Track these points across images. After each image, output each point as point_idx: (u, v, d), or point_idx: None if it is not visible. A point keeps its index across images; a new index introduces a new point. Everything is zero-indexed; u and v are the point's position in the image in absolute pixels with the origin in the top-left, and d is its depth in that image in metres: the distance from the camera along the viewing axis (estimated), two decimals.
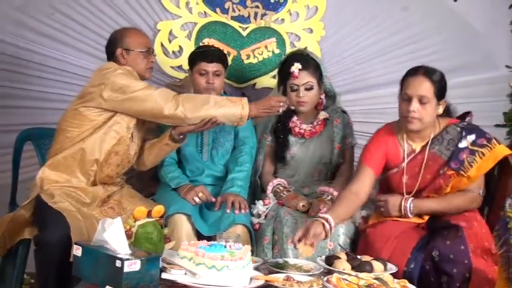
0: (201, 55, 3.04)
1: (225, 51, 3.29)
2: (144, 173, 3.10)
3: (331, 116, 3.13)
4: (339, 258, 2.41)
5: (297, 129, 3.11)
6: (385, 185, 2.80)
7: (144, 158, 2.93)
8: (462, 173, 2.59)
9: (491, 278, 2.44)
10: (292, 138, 3.13)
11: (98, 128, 2.72)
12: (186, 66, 3.28)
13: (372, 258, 2.42)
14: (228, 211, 2.81)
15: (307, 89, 3.02)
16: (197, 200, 2.87)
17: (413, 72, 2.62)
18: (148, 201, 2.88)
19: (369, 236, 2.64)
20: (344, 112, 3.19)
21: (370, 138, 2.80)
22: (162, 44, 3.52)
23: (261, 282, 2.16)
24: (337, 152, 3.10)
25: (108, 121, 2.73)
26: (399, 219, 2.66)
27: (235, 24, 3.58)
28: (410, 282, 2.24)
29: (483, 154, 2.57)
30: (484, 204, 2.72)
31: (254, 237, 2.83)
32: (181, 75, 3.51)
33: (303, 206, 2.88)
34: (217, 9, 3.56)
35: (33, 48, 3.46)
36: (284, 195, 2.96)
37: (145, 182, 3.23)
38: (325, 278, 2.19)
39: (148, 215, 2.30)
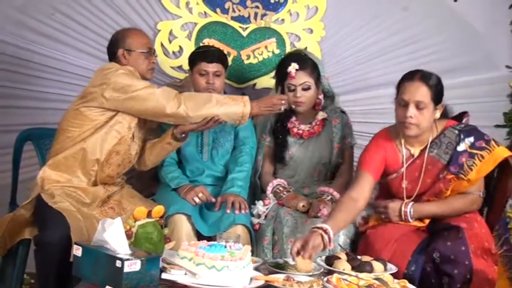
0: (201, 55, 3.04)
1: (225, 52, 3.29)
2: (144, 173, 3.10)
3: (329, 116, 3.13)
4: (339, 258, 2.41)
5: (295, 130, 3.11)
6: (385, 189, 2.79)
7: (146, 158, 2.93)
8: (462, 176, 2.57)
9: (492, 279, 2.45)
10: (290, 139, 3.13)
11: (99, 128, 2.73)
12: (186, 67, 3.28)
13: (372, 258, 2.42)
14: (228, 211, 2.81)
15: (304, 89, 3.02)
16: (197, 200, 2.87)
17: (409, 77, 2.59)
18: (149, 202, 2.88)
19: (369, 237, 2.63)
20: (343, 112, 3.19)
21: (367, 144, 2.77)
22: (162, 44, 3.53)
23: (261, 283, 2.15)
24: (336, 152, 3.10)
25: (110, 121, 2.74)
26: (400, 223, 2.65)
27: (236, 25, 3.58)
28: (412, 284, 2.23)
29: (482, 157, 2.56)
30: (484, 205, 2.70)
31: (254, 237, 2.83)
32: (182, 76, 3.51)
33: (303, 206, 2.88)
34: (218, 10, 3.56)
35: (34, 48, 3.46)
36: (284, 196, 2.96)
37: (146, 182, 3.23)
38: (325, 278, 2.19)
39: (149, 215, 2.30)
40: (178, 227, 2.75)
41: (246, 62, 3.59)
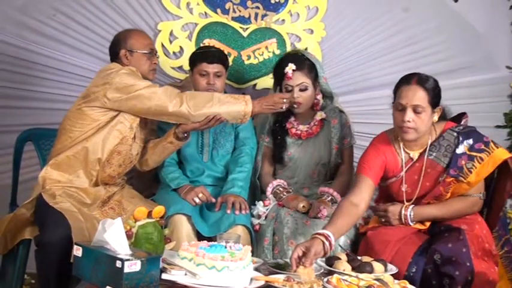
0: (202, 56, 3.04)
1: (226, 52, 3.28)
2: (144, 173, 3.10)
3: (328, 117, 3.13)
4: (339, 259, 2.41)
5: (293, 131, 3.11)
6: (385, 192, 2.79)
7: (148, 157, 2.93)
8: (461, 179, 2.56)
9: (492, 280, 2.44)
10: (289, 139, 3.13)
11: (101, 128, 2.73)
12: (186, 67, 3.28)
13: (372, 259, 2.41)
14: (229, 212, 2.81)
15: (301, 90, 3.02)
16: (197, 200, 2.87)
17: (406, 80, 2.57)
18: (149, 202, 2.88)
19: (370, 238, 2.62)
20: (342, 112, 3.18)
21: (367, 147, 2.75)
22: (162, 45, 3.53)
23: (261, 283, 2.15)
24: (335, 153, 3.09)
25: (112, 121, 2.74)
26: (400, 226, 2.64)
27: (236, 25, 3.58)
28: (412, 285, 2.22)
29: (482, 159, 2.54)
30: (483, 206, 2.69)
31: (254, 238, 2.83)
32: (182, 76, 3.52)
33: (303, 206, 2.88)
34: (218, 10, 3.56)
35: (34, 49, 3.46)
36: (284, 196, 2.95)
37: (146, 182, 3.23)
38: (325, 279, 2.19)
39: (149, 215, 2.30)
40: (179, 228, 2.75)
41: (246, 62, 3.59)
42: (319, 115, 3.11)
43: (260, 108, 2.81)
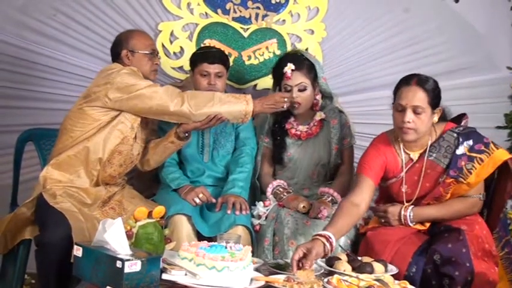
0: (202, 56, 3.04)
1: (226, 52, 3.28)
2: (144, 173, 3.10)
3: (328, 117, 3.12)
4: (340, 259, 2.41)
5: (293, 131, 3.11)
6: (385, 192, 2.79)
7: (149, 157, 2.93)
8: (461, 180, 2.56)
9: (492, 280, 2.44)
10: (289, 140, 3.13)
11: (102, 128, 2.74)
12: (187, 67, 3.28)
13: (372, 259, 2.41)
14: (229, 212, 2.81)
15: (300, 90, 3.02)
16: (197, 200, 2.87)
17: (406, 81, 2.57)
18: (149, 202, 2.88)
19: (370, 239, 2.62)
20: (341, 112, 3.18)
21: (367, 148, 2.75)
22: (163, 45, 3.52)
23: (261, 283, 2.15)
24: (335, 153, 3.09)
25: (113, 120, 2.75)
26: (400, 226, 2.64)
27: (237, 25, 3.58)
28: (412, 286, 2.22)
29: (482, 160, 2.54)
30: (484, 207, 2.69)
31: (255, 238, 2.83)
32: (183, 76, 3.51)
33: (304, 207, 2.88)
34: (219, 10, 3.56)
35: (34, 49, 3.46)
36: (284, 197, 2.95)
37: (146, 182, 3.23)
38: (325, 279, 2.18)
39: (149, 215, 2.30)
40: (179, 228, 2.75)
41: (247, 62, 3.59)
42: (319, 115, 3.11)
43: (261, 108, 2.81)
